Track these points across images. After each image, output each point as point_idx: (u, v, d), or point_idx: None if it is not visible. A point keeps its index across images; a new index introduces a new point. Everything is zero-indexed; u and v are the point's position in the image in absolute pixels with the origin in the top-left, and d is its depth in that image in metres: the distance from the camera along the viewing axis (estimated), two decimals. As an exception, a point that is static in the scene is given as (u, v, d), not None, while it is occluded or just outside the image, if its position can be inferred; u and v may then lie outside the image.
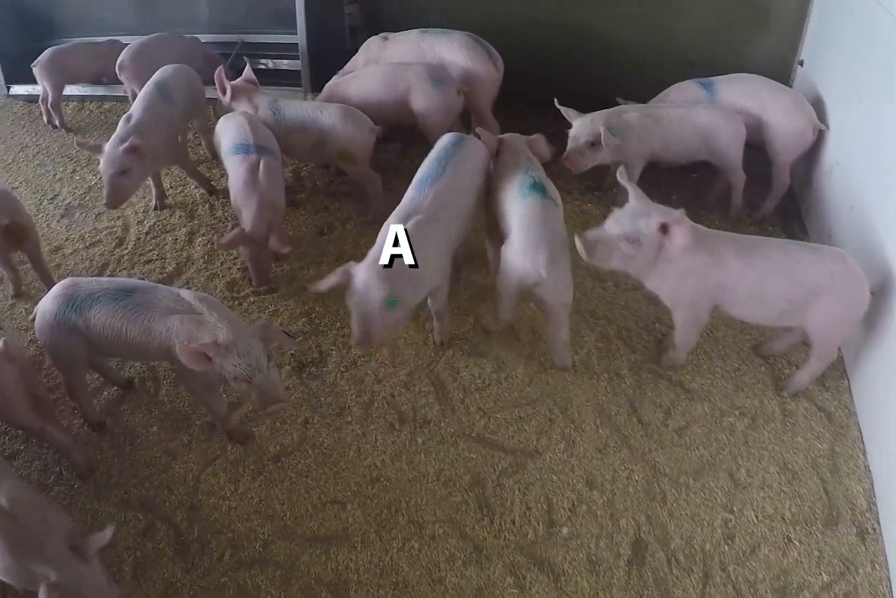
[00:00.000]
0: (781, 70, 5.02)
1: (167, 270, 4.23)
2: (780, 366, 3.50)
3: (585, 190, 4.68)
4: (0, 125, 6.42)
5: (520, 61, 5.31)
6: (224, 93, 4.49)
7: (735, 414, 3.28)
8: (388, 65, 4.69)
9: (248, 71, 4.65)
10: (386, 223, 3.19)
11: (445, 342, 3.61)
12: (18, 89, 6.66)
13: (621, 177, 3.20)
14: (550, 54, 5.41)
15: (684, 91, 4.48)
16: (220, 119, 4.24)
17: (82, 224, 4.79)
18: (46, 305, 3.01)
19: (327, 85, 4.75)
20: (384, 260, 2.99)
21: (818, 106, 4.34)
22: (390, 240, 3.05)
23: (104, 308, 2.92)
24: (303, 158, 4.77)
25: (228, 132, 4.08)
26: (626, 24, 5.21)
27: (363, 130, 4.26)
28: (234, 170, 3.90)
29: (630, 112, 4.18)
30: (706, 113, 4.16)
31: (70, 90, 6.34)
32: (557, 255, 3.14)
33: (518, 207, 3.26)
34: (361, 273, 2.97)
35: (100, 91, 6.16)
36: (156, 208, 4.80)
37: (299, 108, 4.37)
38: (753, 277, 2.99)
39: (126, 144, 4.00)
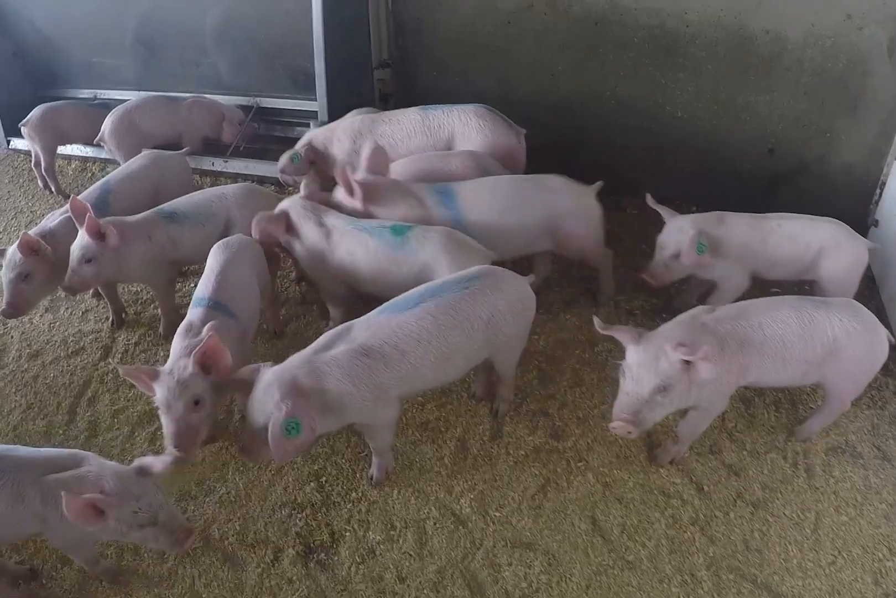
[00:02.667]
0: (872, 165, 4.32)
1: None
2: (880, 555, 2.86)
3: (651, 311, 3.98)
4: (-2, 184, 5.93)
5: (570, 141, 4.75)
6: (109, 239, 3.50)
7: (831, 630, 2.64)
8: (428, 156, 4.02)
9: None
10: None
11: (378, 480, 3.14)
12: (18, 143, 6.13)
13: (602, 329, 2.80)
14: (606, 133, 4.78)
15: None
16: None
17: (67, 323, 4.22)
18: None
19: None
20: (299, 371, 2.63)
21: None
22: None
23: None
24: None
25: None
26: (699, 102, 4.53)
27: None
28: None
29: (731, 220, 3.51)
30: (828, 228, 3.45)
31: (72, 150, 5.82)
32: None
33: (411, 250, 3.21)
34: (268, 378, 2.60)
35: (103, 153, 5.57)
36: (113, 325, 4.14)
37: (198, 198, 3.83)
38: (775, 345, 2.83)
39: (18, 241, 3.52)
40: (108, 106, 5.36)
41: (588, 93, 4.72)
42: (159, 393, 2.77)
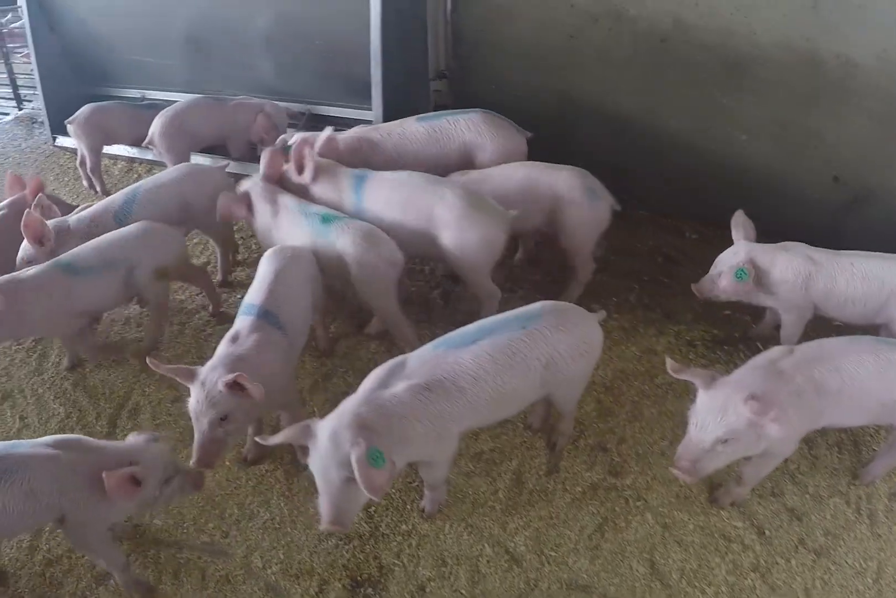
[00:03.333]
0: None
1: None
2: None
3: (712, 342, 3.86)
4: (44, 180, 5.86)
5: (628, 160, 4.63)
6: None
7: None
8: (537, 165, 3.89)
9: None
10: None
11: (430, 513, 3.03)
12: (65, 141, 6.11)
13: (675, 371, 2.71)
14: (666, 154, 4.65)
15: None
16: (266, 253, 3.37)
17: (108, 331, 4.16)
18: None
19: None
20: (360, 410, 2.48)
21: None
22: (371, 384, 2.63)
23: None
24: (110, 306, 3.85)
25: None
26: (763, 125, 4.39)
27: (178, 244, 3.81)
28: None
29: (793, 253, 3.37)
30: None
31: (119, 150, 5.78)
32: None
33: (330, 240, 3.32)
34: (328, 426, 2.42)
35: (150, 154, 5.53)
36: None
37: (97, 244, 3.57)
38: (851, 390, 2.72)
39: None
40: (155, 107, 5.31)
41: (650, 111, 4.60)
42: (192, 400, 2.75)
